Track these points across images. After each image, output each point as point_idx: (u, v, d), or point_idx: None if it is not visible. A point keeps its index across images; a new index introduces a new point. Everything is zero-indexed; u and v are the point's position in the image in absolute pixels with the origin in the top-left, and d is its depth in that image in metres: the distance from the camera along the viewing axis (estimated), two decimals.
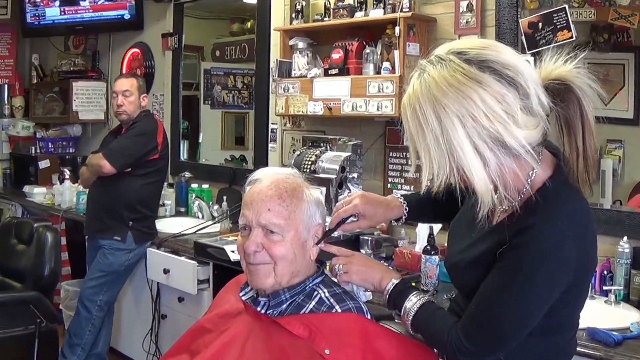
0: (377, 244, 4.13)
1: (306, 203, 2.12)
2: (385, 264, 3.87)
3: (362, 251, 4.06)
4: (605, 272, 3.38)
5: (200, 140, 6.61)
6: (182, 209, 6.04)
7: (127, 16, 6.94)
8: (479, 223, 1.82)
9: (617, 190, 3.77)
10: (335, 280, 2.19)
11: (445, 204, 2.21)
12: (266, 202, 2.06)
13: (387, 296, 2.07)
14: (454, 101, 1.66)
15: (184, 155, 6.60)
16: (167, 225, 5.40)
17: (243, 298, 2.18)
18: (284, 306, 2.08)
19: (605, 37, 3.75)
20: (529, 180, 1.78)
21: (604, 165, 3.73)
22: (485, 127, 1.65)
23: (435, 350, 2.05)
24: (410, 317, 1.98)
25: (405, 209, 2.39)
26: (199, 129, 6.72)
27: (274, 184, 2.10)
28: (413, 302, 1.99)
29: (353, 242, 4.10)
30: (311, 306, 2.07)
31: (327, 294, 2.10)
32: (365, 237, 4.10)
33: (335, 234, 2.33)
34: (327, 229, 2.21)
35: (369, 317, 2.10)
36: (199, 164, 6.43)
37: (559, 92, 1.76)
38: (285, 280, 2.08)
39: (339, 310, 2.06)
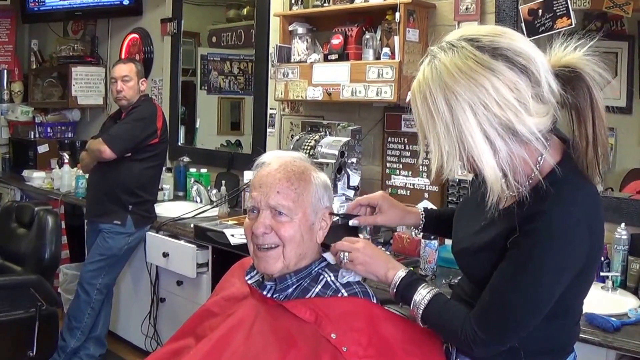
0: (375, 229, 4.13)
1: (314, 186, 2.13)
2: (385, 250, 3.93)
3: (360, 236, 4.05)
4: (603, 259, 3.40)
5: (197, 126, 6.62)
6: (181, 194, 6.05)
7: (126, 2, 6.96)
8: (489, 211, 1.81)
9: (608, 177, 3.79)
10: (332, 262, 2.19)
11: None
12: (275, 184, 2.08)
13: (395, 290, 2.04)
14: (465, 89, 1.66)
15: (181, 140, 6.62)
16: (166, 209, 5.41)
17: (249, 282, 2.20)
18: (290, 290, 2.10)
19: (599, 25, 3.77)
20: (537, 166, 1.78)
21: None
22: (497, 115, 1.65)
23: (450, 342, 2.04)
24: (421, 310, 1.96)
25: (422, 218, 2.44)
26: (196, 114, 6.73)
27: (282, 167, 2.12)
28: (422, 295, 1.97)
29: (351, 227, 4.10)
30: (317, 290, 2.09)
31: (332, 278, 2.12)
32: None
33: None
34: (344, 212, 2.24)
35: (374, 301, 2.12)
36: (197, 149, 6.44)
37: (569, 79, 1.76)
38: (293, 262, 2.10)
39: (345, 294, 2.08)
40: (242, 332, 2.04)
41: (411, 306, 2.00)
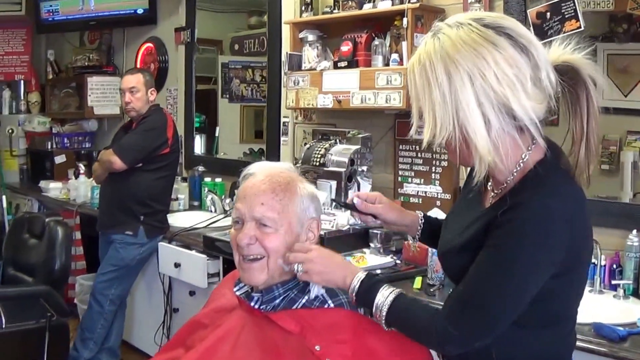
0: (386, 238, 4.10)
1: (299, 197, 2.11)
2: (397, 259, 3.89)
3: (372, 245, 4.03)
4: (615, 266, 3.35)
5: (217, 134, 6.62)
6: (196, 203, 6.07)
7: (140, 11, 6.98)
8: (475, 187, 1.87)
9: (637, 182, 3.70)
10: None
11: None
12: (259, 196, 2.06)
13: (355, 295, 1.98)
14: (466, 59, 1.68)
15: (201, 149, 6.62)
16: (180, 219, 5.43)
17: (237, 293, 2.18)
18: (277, 301, 2.07)
19: (625, 27, 3.70)
20: (530, 147, 1.78)
21: (624, 157, 3.67)
22: (494, 89, 1.66)
23: (420, 342, 1.98)
24: (385, 312, 1.90)
25: (421, 224, 2.36)
26: (217, 123, 6.73)
27: (268, 178, 2.10)
28: (385, 295, 1.91)
29: (362, 236, 4.08)
30: (304, 301, 2.06)
31: (319, 288, 2.09)
32: (375, 231, 4.06)
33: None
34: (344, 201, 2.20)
35: (361, 312, 2.08)
36: (213, 158, 6.45)
37: (567, 71, 1.77)
38: (277, 274, 2.07)
39: (332, 305, 2.05)
40: (228, 343, 2.02)
41: (373, 309, 1.94)
